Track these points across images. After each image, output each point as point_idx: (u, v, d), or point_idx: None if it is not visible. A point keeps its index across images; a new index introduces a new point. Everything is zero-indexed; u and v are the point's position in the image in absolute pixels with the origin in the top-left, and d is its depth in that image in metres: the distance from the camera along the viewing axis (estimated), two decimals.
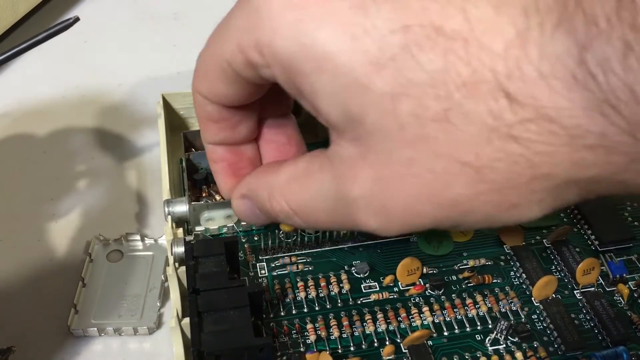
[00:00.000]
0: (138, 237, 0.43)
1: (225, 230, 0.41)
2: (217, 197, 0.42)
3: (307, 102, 0.25)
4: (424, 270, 0.39)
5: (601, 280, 0.40)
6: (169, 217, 0.40)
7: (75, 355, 0.38)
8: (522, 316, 0.38)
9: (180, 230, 0.40)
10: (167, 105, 0.47)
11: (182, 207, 0.40)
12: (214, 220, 0.41)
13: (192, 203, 0.40)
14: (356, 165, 0.24)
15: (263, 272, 0.39)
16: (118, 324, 0.38)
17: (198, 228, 0.41)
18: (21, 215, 0.45)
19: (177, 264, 0.37)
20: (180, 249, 0.38)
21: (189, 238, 0.38)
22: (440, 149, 0.22)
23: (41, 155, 0.50)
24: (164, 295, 0.40)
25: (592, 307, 0.38)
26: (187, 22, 0.66)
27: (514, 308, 0.38)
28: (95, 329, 0.38)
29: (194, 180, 0.42)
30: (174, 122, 0.48)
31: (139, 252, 0.43)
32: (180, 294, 0.36)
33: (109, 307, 0.39)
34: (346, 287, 0.39)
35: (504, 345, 0.36)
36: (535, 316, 0.38)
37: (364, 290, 0.39)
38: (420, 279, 0.39)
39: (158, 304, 0.40)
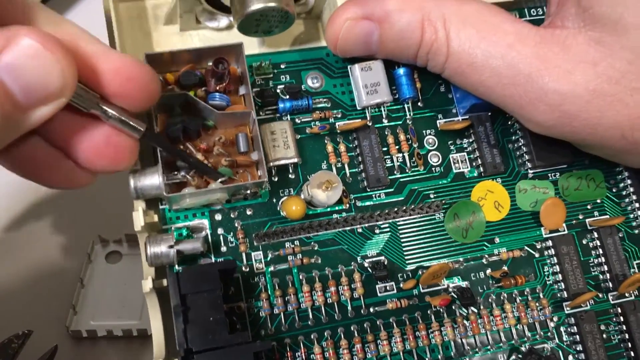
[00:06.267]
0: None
1: (216, 200, 0.32)
2: (199, 156, 0.32)
3: None
4: (451, 277, 0.34)
5: None
6: (136, 196, 0.30)
7: (74, 356, 0.38)
8: (550, 328, 0.34)
9: (154, 218, 0.31)
10: None
11: (153, 180, 0.30)
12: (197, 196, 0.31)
13: (167, 179, 0.30)
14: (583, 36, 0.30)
15: (260, 266, 0.32)
16: (117, 325, 0.38)
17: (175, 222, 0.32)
18: (21, 215, 0.43)
19: (155, 283, 0.29)
20: (156, 250, 0.30)
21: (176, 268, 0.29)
22: None
23: None
24: None
25: (625, 320, 0.34)
26: None
27: (542, 318, 0.34)
28: (95, 330, 0.38)
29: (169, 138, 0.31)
30: None
31: (138, 254, 0.37)
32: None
33: (108, 308, 0.39)
34: (359, 291, 0.32)
35: None
36: (564, 329, 0.34)
37: (379, 294, 0.33)
38: (445, 282, 0.33)
39: None
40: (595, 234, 0.35)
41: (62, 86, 0.24)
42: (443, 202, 0.34)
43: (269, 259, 0.32)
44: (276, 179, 0.33)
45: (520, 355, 0.33)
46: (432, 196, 0.34)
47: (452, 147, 0.35)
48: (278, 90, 0.34)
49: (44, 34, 0.23)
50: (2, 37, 0.23)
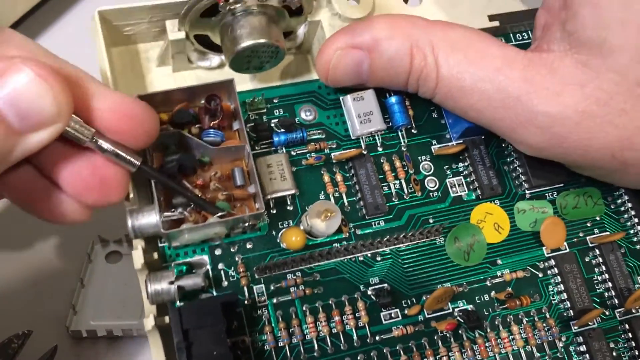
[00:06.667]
0: None
1: (215, 235, 0.32)
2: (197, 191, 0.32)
3: (573, 10, 0.31)
4: (456, 301, 0.33)
5: None
6: (135, 235, 0.30)
7: (74, 356, 0.38)
8: (559, 348, 0.33)
9: (154, 256, 0.31)
10: None
11: (150, 219, 0.31)
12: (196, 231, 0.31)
13: (164, 217, 0.30)
14: (570, 59, 0.31)
15: (262, 299, 0.32)
16: (117, 326, 0.38)
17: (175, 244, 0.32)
18: (21, 215, 0.41)
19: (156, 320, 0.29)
20: (157, 288, 0.30)
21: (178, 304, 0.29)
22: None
23: None
24: None
25: (634, 336, 0.34)
26: None
27: (550, 338, 0.34)
28: (94, 330, 0.38)
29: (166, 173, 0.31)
30: None
31: None
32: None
33: (108, 308, 0.39)
34: (364, 319, 0.32)
35: None
36: (573, 348, 0.34)
37: (384, 321, 0.32)
38: (450, 306, 0.33)
39: None
40: (597, 251, 0.35)
41: (57, 112, 0.25)
42: (442, 226, 0.34)
43: (271, 291, 0.32)
44: (275, 211, 0.33)
45: None
46: (431, 221, 0.34)
47: (448, 172, 0.36)
48: (272, 124, 0.35)
49: (39, 63, 0.25)
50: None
